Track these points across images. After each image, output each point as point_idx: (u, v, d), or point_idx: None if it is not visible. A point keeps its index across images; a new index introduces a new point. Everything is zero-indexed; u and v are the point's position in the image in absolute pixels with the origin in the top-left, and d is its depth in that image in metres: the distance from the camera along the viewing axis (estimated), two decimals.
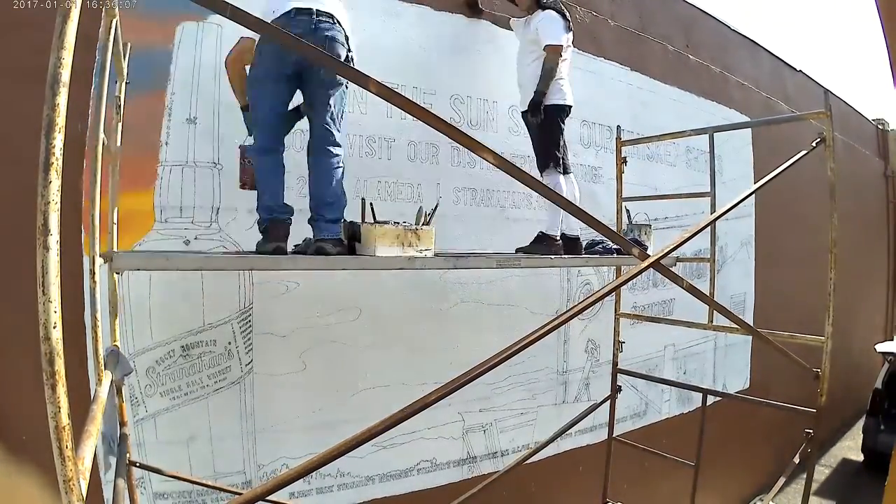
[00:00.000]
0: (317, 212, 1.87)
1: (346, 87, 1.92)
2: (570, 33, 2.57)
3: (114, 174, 1.81)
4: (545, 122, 2.53)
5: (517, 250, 2.57)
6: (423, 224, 2.05)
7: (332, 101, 1.85)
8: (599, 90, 3.69)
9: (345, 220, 2.01)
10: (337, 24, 1.82)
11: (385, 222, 1.96)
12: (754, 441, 5.02)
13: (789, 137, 5.41)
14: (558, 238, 2.56)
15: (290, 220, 1.87)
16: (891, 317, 8.92)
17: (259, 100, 1.85)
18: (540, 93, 2.47)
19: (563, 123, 2.60)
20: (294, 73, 1.82)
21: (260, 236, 1.87)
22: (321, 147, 1.87)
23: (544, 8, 2.55)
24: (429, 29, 2.88)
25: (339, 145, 1.90)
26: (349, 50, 1.88)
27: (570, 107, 2.60)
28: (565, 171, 2.59)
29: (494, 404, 3.14)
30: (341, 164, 1.90)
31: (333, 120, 1.87)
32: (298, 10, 1.75)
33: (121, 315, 1.86)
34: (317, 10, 1.77)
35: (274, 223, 1.82)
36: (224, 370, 2.32)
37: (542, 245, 2.52)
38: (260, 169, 1.87)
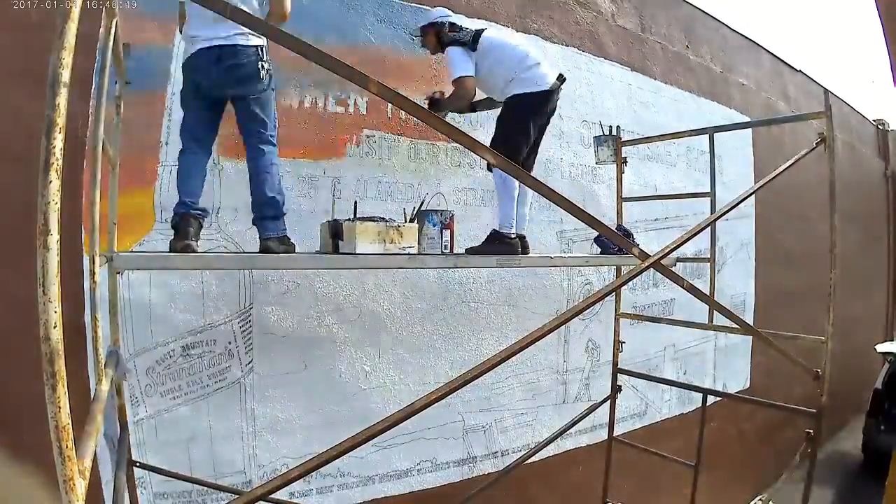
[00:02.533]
0: (258, 211, 1.91)
1: (274, 89, 1.98)
2: (477, 44, 2.37)
3: (114, 174, 1.81)
4: (504, 113, 2.38)
5: (466, 251, 2.34)
6: (407, 222, 2.06)
7: (258, 106, 1.92)
8: (600, 90, 3.70)
9: (329, 220, 2.02)
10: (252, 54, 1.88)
11: (369, 219, 1.97)
12: (754, 441, 5.02)
13: (789, 137, 5.42)
14: (513, 236, 2.33)
15: (202, 219, 1.89)
16: (891, 317, 8.92)
17: (186, 113, 1.94)
18: (442, 103, 2.48)
19: (530, 116, 2.33)
20: (215, 87, 1.89)
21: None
22: (255, 147, 1.92)
23: (444, 47, 2.41)
24: None
25: (272, 144, 1.95)
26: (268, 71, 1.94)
27: (537, 93, 2.32)
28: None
29: (494, 404, 3.14)
30: (275, 162, 1.95)
31: (264, 122, 1.93)
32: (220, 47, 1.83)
33: (121, 315, 1.86)
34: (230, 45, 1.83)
35: (185, 218, 1.82)
36: (224, 370, 2.32)
37: (495, 244, 2.30)
38: (182, 170, 1.91)
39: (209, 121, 1.94)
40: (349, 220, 2.01)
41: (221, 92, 1.90)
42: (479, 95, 2.56)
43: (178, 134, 2.22)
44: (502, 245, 2.30)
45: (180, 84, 2.23)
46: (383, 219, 2.02)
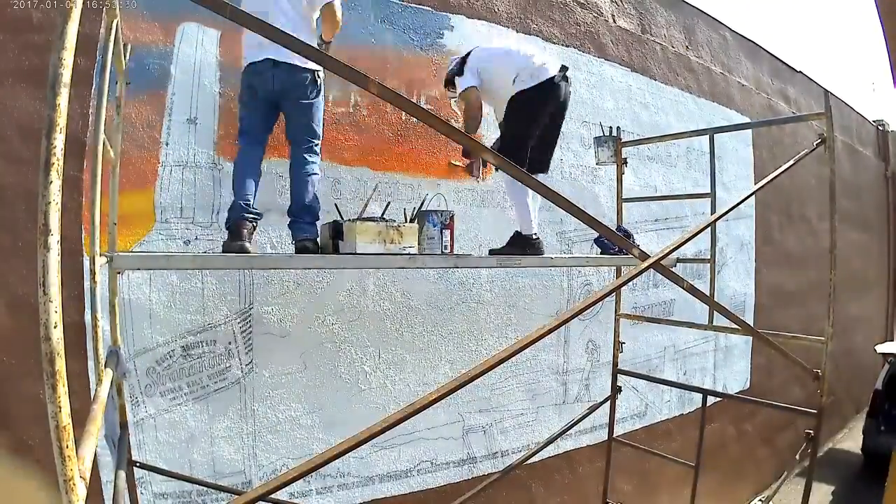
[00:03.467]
0: (297, 215, 2.02)
1: (322, 99, 2.11)
2: (464, 65, 2.42)
3: (114, 174, 1.81)
4: (507, 112, 2.36)
5: (490, 252, 2.44)
6: (407, 222, 2.07)
7: (308, 117, 2.05)
8: (600, 91, 3.70)
9: (329, 221, 2.07)
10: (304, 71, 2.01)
11: (370, 219, 1.98)
12: (754, 442, 5.03)
13: (790, 138, 5.43)
14: (536, 236, 2.40)
15: (257, 222, 1.99)
16: (891, 317, 8.92)
17: (243, 112, 2.08)
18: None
19: (535, 110, 2.32)
20: (270, 95, 2.01)
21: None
22: (301, 157, 2.05)
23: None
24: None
25: (316, 154, 2.09)
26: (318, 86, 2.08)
27: (537, 86, 2.30)
28: (533, 171, 2.33)
29: (494, 405, 3.14)
30: (316, 172, 2.08)
31: (313, 132, 2.07)
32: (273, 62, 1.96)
33: (121, 315, 1.85)
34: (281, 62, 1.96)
35: (240, 222, 1.92)
36: (224, 370, 2.32)
37: (520, 246, 2.37)
38: (237, 169, 2.02)
39: (263, 121, 2.06)
40: (349, 220, 2.02)
41: (275, 96, 2.01)
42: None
43: (178, 134, 2.24)
44: (528, 246, 2.37)
45: (181, 84, 2.25)
46: (383, 218, 2.03)
